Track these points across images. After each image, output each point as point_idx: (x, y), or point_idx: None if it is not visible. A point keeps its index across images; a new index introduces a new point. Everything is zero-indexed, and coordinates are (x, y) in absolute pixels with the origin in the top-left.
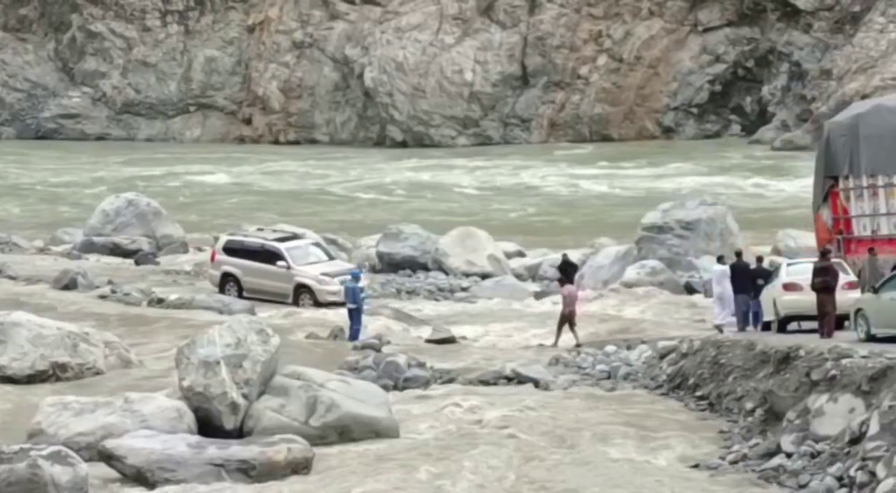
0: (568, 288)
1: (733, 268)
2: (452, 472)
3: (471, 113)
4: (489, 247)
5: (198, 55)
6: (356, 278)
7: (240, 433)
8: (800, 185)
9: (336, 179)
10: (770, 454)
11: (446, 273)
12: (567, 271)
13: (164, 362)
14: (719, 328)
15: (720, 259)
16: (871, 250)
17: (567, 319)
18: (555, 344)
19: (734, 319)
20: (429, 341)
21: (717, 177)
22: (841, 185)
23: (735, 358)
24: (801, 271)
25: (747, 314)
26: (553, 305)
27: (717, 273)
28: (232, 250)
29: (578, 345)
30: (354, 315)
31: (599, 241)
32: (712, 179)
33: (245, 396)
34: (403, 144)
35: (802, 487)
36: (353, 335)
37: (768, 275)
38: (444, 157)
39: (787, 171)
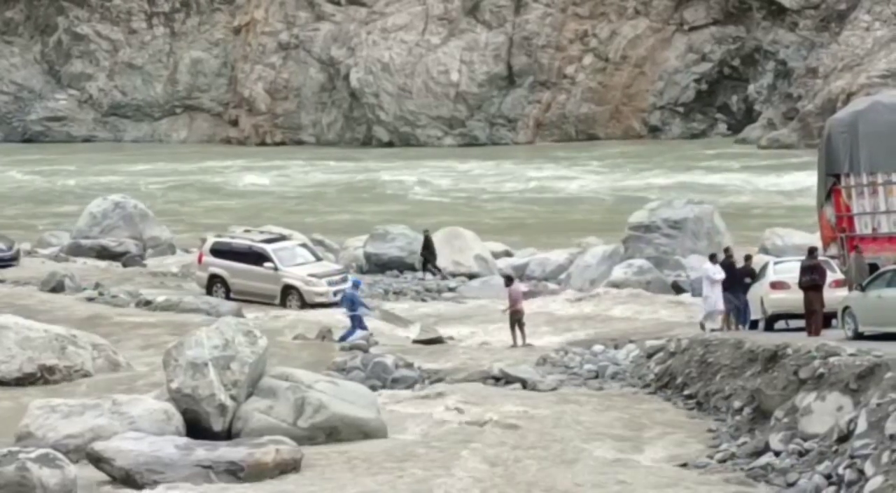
0: (513, 287)
1: (721, 266)
2: (440, 472)
3: (457, 113)
4: (476, 247)
5: (184, 57)
6: (356, 286)
7: (228, 435)
8: (790, 183)
9: (323, 179)
10: (758, 453)
11: (434, 273)
12: (426, 253)
13: (152, 364)
14: (703, 326)
15: (712, 258)
16: (856, 249)
17: (514, 318)
18: (524, 344)
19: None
20: (416, 341)
21: (703, 175)
22: (843, 182)
23: (723, 357)
24: (788, 270)
25: (732, 312)
26: (545, 305)
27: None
28: (219, 251)
29: (525, 344)
30: (355, 322)
31: (586, 240)
32: (699, 177)
33: (233, 397)
34: (390, 145)
35: (791, 485)
36: (344, 337)
37: (755, 274)
38: (431, 157)
39: (773, 169)
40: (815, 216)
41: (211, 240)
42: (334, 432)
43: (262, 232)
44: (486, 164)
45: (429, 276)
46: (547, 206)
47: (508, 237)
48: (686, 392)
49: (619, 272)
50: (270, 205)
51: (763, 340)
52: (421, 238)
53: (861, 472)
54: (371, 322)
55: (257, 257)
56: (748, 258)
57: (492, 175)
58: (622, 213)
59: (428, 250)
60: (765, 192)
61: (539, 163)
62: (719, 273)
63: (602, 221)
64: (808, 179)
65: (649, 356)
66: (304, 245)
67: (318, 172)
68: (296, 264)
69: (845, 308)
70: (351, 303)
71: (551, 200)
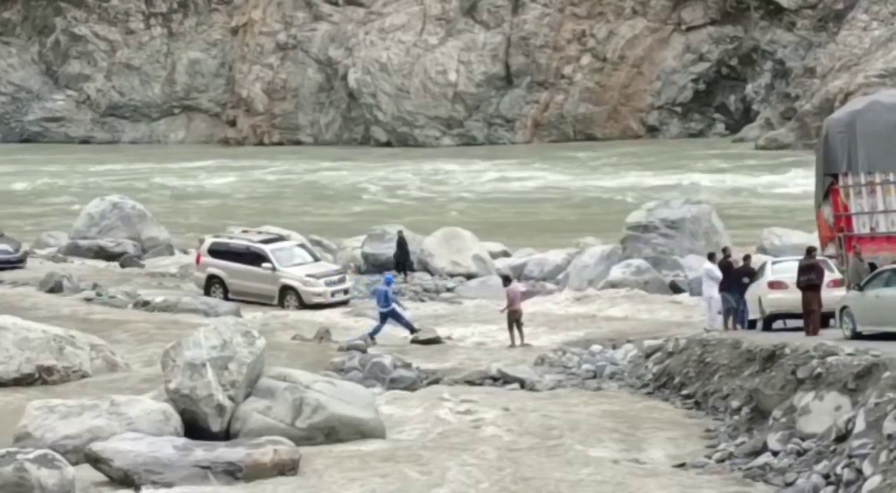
0: (511, 287)
1: (719, 266)
2: (438, 473)
3: (455, 113)
4: (474, 247)
5: (181, 57)
6: (388, 283)
7: (226, 435)
8: (787, 183)
9: (321, 180)
10: (756, 453)
11: (431, 274)
12: (401, 255)
13: (149, 364)
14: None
15: (710, 256)
16: (854, 249)
17: (512, 317)
18: (522, 343)
19: (718, 318)
20: (414, 341)
21: (701, 175)
22: (841, 182)
23: (721, 357)
24: (786, 270)
25: (730, 312)
26: (543, 305)
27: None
28: (217, 252)
29: (524, 344)
30: (387, 318)
31: (584, 240)
32: (697, 177)
33: (231, 398)
34: (388, 145)
35: (789, 485)
36: (406, 326)
37: (753, 273)
38: (429, 157)
39: (771, 169)
40: (811, 216)
41: (209, 240)
42: (332, 432)
43: (259, 232)
44: (483, 164)
45: (422, 276)
46: (545, 205)
47: (507, 238)
48: (684, 392)
49: (617, 272)
50: (234, 206)
51: (761, 339)
52: (420, 239)
53: (859, 471)
54: (367, 322)
55: (255, 258)
56: (747, 258)
57: (489, 175)
58: (620, 212)
59: (402, 250)
60: (762, 192)
61: (536, 163)
62: (720, 273)
63: (600, 220)
64: (806, 179)
65: (647, 356)
66: (302, 245)
67: (286, 174)
68: (294, 264)
69: (843, 308)
70: (385, 299)
71: (549, 200)
